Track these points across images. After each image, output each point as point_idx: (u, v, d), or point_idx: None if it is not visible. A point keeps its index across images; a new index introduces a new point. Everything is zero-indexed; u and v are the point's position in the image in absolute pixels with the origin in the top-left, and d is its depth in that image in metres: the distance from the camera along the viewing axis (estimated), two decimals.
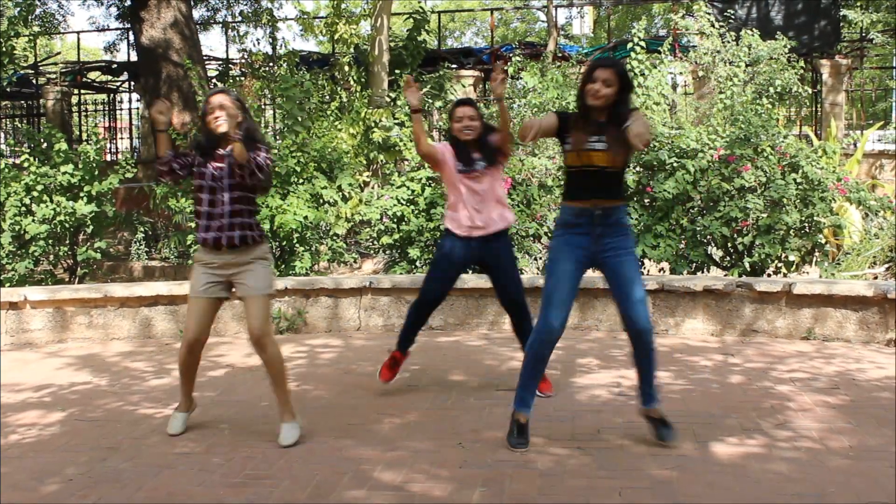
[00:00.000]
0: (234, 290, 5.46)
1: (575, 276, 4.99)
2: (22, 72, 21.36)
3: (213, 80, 21.92)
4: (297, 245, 10.31)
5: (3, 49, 13.94)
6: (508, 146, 6.15)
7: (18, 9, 15.16)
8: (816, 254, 10.26)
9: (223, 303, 5.59)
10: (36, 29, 21.71)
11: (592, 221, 4.94)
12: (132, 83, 24.15)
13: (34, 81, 23.65)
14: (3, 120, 25.11)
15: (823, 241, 10.24)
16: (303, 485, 4.61)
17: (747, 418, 5.69)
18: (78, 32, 26.23)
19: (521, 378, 5.18)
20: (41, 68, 24.14)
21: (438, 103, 15.98)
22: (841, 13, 18.86)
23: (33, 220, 10.45)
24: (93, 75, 25.54)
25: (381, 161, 12.81)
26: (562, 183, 5.27)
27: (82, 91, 25.25)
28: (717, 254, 10.40)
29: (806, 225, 9.90)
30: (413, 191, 10.51)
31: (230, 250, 5.30)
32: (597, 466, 4.71)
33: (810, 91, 18.68)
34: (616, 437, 5.17)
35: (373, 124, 13.18)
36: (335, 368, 7.54)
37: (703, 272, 10.06)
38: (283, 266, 10.31)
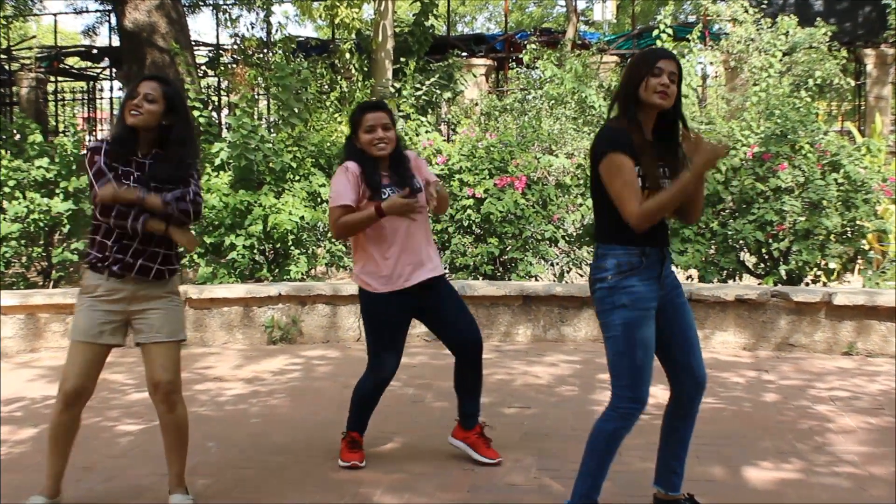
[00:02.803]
0: (131, 332, 4.66)
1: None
2: None
3: (203, 68, 21.97)
4: (293, 248, 10.31)
5: None
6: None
7: None
8: (859, 261, 10.23)
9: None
10: (9, 11, 21.76)
11: (660, 263, 4.10)
12: (114, 70, 24.21)
13: (7, 68, 23.72)
14: None
15: (867, 247, 10.22)
16: None
17: (783, 441, 5.67)
18: (55, 14, 26.37)
19: (589, 466, 4.16)
20: (14, 53, 24.21)
21: (447, 94, 16.00)
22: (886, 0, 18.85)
23: (4, 219, 10.46)
24: (71, 61, 25.65)
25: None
26: (604, 218, 4.09)
27: (59, 78, 25.36)
28: (750, 260, 10.38)
29: (848, 229, 9.87)
30: None
31: (138, 281, 4.52)
32: (617, 490, 4.70)
33: (853, 83, 18.66)
34: (637, 458, 5.16)
35: None
36: (333, 382, 7.54)
37: (734, 280, 10.04)
38: (276, 270, 10.32)
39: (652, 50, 4.16)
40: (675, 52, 13.44)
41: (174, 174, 4.52)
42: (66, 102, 25.53)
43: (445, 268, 10.18)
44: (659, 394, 5.00)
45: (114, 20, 20.42)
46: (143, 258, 4.49)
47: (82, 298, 4.51)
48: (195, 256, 10.27)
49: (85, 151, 4.46)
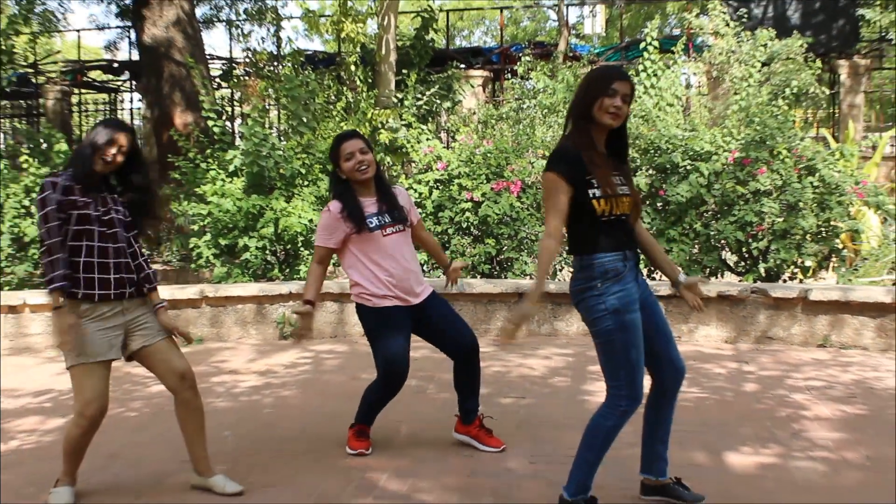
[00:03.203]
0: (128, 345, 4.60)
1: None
2: (21, 71, 21.45)
3: (217, 80, 21.97)
4: (302, 249, 10.33)
5: (3, 48, 13.98)
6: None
7: (18, 7, 15.22)
8: (833, 259, 10.25)
9: None
10: (36, 27, 21.75)
11: (635, 266, 4.11)
12: (133, 82, 24.21)
13: (34, 81, 23.73)
14: (3, 120, 25.18)
15: (841, 246, 10.24)
16: (307, 493, 4.62)
17: (762, 427, 5.69)
18: (78, 31, 26.31)
19: (586, 458, 4.15)
20: (41, 67, 24.20)
21: (447, 104, 15.99)
22: (859, 12, 18.84)
23: (32, 223, 10.48)
24: (93, 74, 25.64)
25: (388, 163, 12.81)
26: (576, 233, 4.07)
27: (83, 90, 25.35)
28: (731, 259, 10.39)
29: (823, 230, 9.89)
30: (420, 193, 10.53)
31: (130, 298, 4.59)
32: (608, 475, 4.70)
33: (828, 92, 18.66)
34: (626, 445, 5.17)
35: (379, 125, 13.18)
36: (341, 375, 7.56)
37: (717, 278, 10.05)
38: (287, 270, 10.34)
39: (608, 70, 4.09)
40: (661, 62, 13.49)
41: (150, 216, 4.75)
42: (89, 113, 25.49)
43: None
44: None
45: (133, 36, 20.43)
46: (127, 283, 4.56)
47: (82, 324, 4.42)
48: (211, 257, 10.29)
49: (40, 190, 4.43)
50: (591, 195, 3.95)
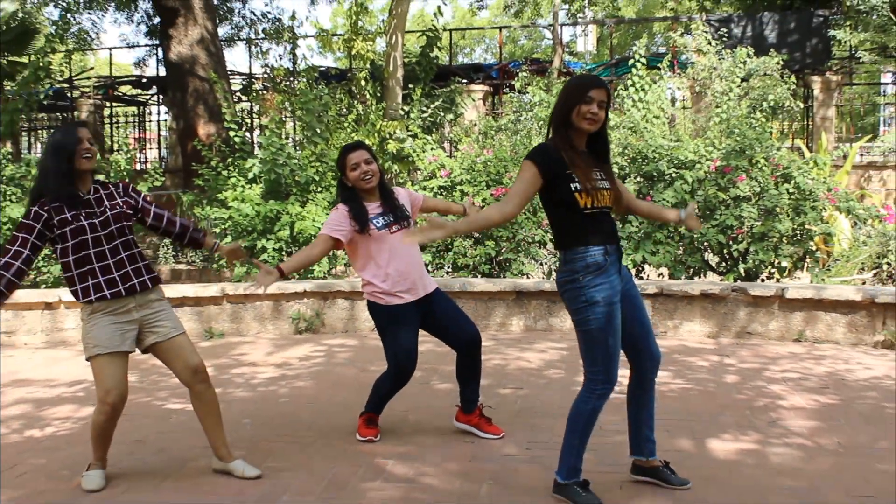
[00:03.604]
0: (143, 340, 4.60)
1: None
2: (57, 86, 21.44)
3: (237, 94, 21.97)
4: None
5: (41, 64, 13.97)
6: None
7: (55, 27, 15.22)
8: (808, 260, 10.22)
9: None
10: (71, 45, 21.76)
11: (618, 260, 4.10)
12: (160, 96, 24.22)
13: (69, 95, 23.73)
14: (40, 131, 25.19)
15: (814, 248, 10.22)
16: (319, 477, 4.61)
17: (742, 416, 5.67)
18: (110, 49, 26.33)
19: (572, 443, 4.14)
20: (75, 82, 24.22)
21: (450, 116, 15.98)
22: (831, 33, 18.82)
23: None
24: (124, 89, 25.64)
25: (396, 171, 12.79)
26: (561, 228, 4.10)
27: (114, 104, 25.36)
28: (713, 260, 10.37)
29: (798, 233, 9.87)
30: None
31: (140, 294, 4.52)
32: (598, 461, 4.69)
33: (802, 106, 18.63)
34: (616, 433, 5.15)
35: (387, 136, 13.15)
36: (352, 367, 7.55)
37: (700, 277, 10.03)
38: (302, 270, 10.31)
39: (585, 79, 4.10)
40: (648, 77, 13.47)
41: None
42: (119, 125, 25.49)
43: (448, 267, 10.19)
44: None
45: (161, 53, 20.41)
46: (135, 276, 4.51)
47: (95, 317, 4.44)
48: None
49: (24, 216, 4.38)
50: (573, 188, 3.97)
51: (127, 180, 4.47)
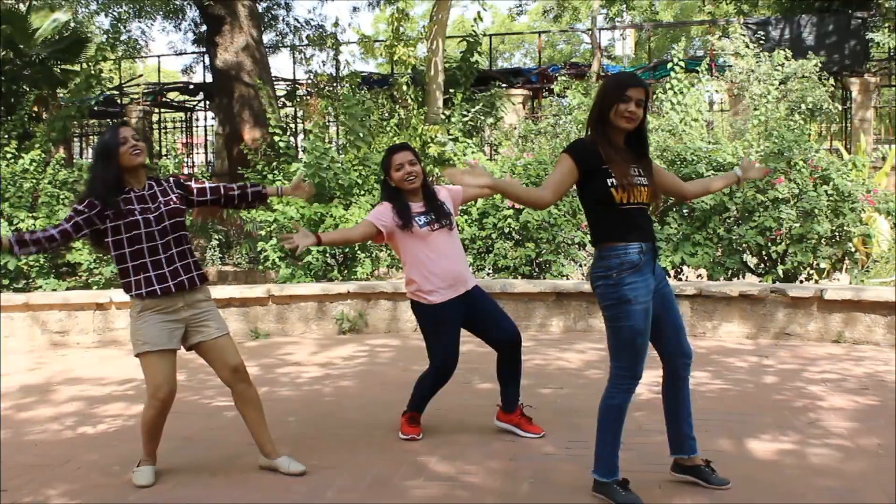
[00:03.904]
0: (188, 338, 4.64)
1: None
2: (108, 92, 21.70)
3: (282, 99, 22.10)
4: (359, 252, 10.35)
5: (92, 72, 14.17)
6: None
7: (106, 36, 15.43)
8: (846, 261, 10.12)
9: None
10: (121, 53, 22.04)
11: (652, 259, 4.08)
12: (207, 102, 24.42)
13: (119, 101, 24.02)
14: (91, 137, 25.50)
15: (853, 249, 10.10)
16: (363, 474, 4.63)
17: (780, 417, 5.62)
18: (158, 56, 26.60)
19: (605, 439, 4.17)
20: (125, 89, 24.51)
21: (490, 120, 15.99)
22: (869, 35, 18.60)
23: None
24: (171, 95, 25.89)
25: (437, 174, 12.82)
26: (598, 224, 4.11)
27: (162, 110, 25.61)
28: (751, 261, 10.28)
29: (836, 234, 9.77)
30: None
31: (189, 292, 4.57)
32: (638, 461, 4.67)
33: (840, 108, 18.43)
34: (655, 432, 5.13)
35: (429, 139, 13.21)
36: (394, 367, 7.57)
37: (738, 278, 9.95)
38: (346, 272, 10.36)
39: (623, 78, 4.12)
40: (686, 80, 13.38)
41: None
42: (167, 130, 25.73)
43: (489, 269, 10.19)
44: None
45: (207, 60, 20.59)
46: (184, 273, 4.54)
47: (144, 315, 4.49)
48: (277, 260, 10.35)
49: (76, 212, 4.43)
50: (609, 184, 3.97)
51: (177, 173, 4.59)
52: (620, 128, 4.03)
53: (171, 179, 4.75)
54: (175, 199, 4.61)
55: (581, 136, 12.76)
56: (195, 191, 4.77)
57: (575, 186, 4.13)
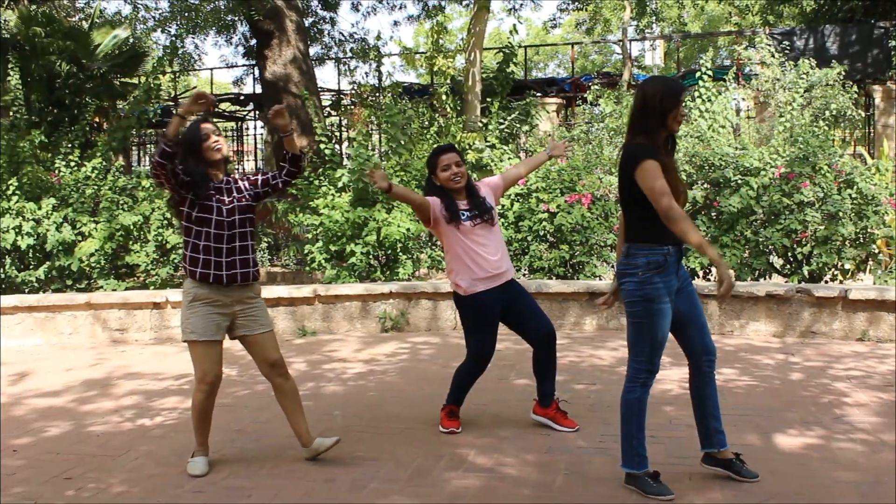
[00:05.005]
0: (233, 330, 4.70)
1: None
2: (164, 104, 21.93)
3: (327, 109, 22.20)
4: (401, 254, 10.37)
5: (151, 85, 14.33)
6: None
7: (163, 51, 15.60)
8: (870, 262, 10.00)
9: None
10: (176, 67, 22.27)
11: (677, 260, 4.11)
12: (257, 112, 24.60)
13: (174, 112, 24.21)
14: (149, 146, 25.78)
15: (877, 250, 9.97)
16: (405, 466, 4.64)
17: (807, 412, 5.56)
18: (211, 69, 26.89)
19: (629, 431, 4.16)
20: (180, 100, 24.75)
21: (525, 128, 15.95)
22: (892, 43, 18.36)
23: (174, 232, 10.68)
24: (223, 106, 26.10)
25: (475, 179, 12.81)
26: (639, 224, 4.06)
27: (214, 119, 25.82)
28: (778, 262, 10.18)
29: (860, 236, 9.65)
30: (503, 205, 10.49)
31: (240, 287, 4.62)
32: (668, 454, 4.65)
33: (864, 114, 18.21)
34: (685, 426, 5.09)
35: (467, 146, 13.19)
36: (435, 363, 7.57)
37: (765, 279, 9.85)
38: (388, 272, 10.38)
39: (675, 85, 4.09)
40: (714, 88, 13.29)
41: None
42: None
43: (525, 270, 10.17)
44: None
45: (257, 72, 20.75)
46: (239, 266, 4.58)
47: (195, 305, 4.55)
48: (322, 261, 10.39)
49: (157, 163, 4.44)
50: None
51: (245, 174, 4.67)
52: (674, 131, 4.07)
53: (246, 177, 4.85)
54: (247, 197, 4.69)
55: (613, 142, 12.68)
56: (269, 175, 4.82)
57: (624, 181, 4.06)
